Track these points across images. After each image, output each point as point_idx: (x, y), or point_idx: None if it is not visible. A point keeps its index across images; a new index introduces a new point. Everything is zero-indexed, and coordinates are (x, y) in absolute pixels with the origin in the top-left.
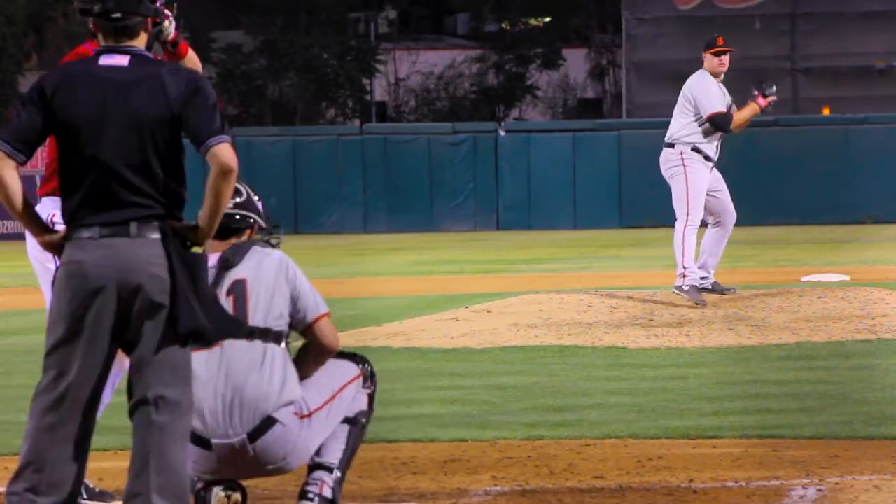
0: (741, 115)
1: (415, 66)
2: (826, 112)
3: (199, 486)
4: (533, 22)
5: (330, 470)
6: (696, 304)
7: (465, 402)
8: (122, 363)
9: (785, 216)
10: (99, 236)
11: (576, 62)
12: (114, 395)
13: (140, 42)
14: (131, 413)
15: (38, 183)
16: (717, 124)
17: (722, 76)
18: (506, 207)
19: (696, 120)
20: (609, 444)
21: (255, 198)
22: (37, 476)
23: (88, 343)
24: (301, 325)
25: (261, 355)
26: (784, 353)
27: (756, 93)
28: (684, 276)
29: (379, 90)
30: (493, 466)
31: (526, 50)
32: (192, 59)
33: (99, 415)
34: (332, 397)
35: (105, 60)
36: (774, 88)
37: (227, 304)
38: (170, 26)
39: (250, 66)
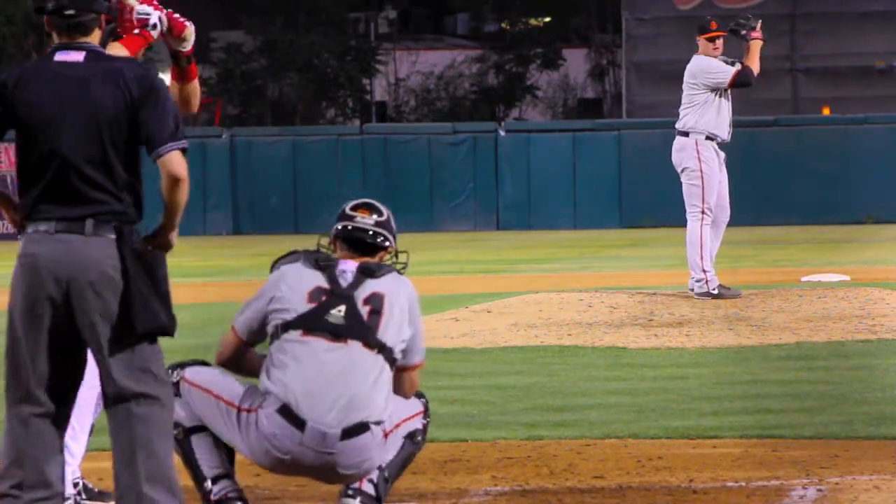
0: (752, 61)
1: (415, 66)
2: (826, 112)
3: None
4: (533, 22)
5: (379, 467)
6: (734, 296)
7: (465, 402)
8: None
9: (785, 216)
10: (55, 231)
11: (576, 62)
12: None
13: (94, 39)
14: (107, 408)
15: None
16: (743, 81)
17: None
18: (506, 207)
19: (708, 99)
20: (609, 444)
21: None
22: (20, 472)
23: (45, 335)
24: (402, 363)
25: (379, 369)
26: (784, 353)
27: (744, 33)
28: (707, 282)
29: (379, 90)
30: (493, 466)
31: (526, 50)
32: (195, 86)
33: (96, 415)
34: (401, 423)
35: (60, 57)
36: (752, 20)
37: (363, 311)
38: (191, 33)
39: (250, 66)
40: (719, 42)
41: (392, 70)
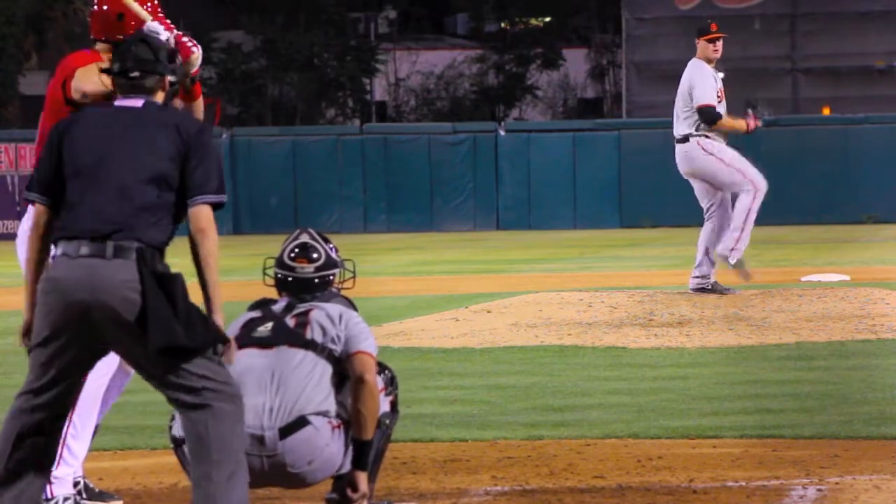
0: (728, 122)
1: (415, 66)
2: (826, 112)
3: None
4: (533, 22)
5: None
6: (745, 278)
7: (465, 402)
8: (129, 369)
9: (785, 216)
10: (77, 255)
11: (576, 62)
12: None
13: (157, 98)
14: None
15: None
16: (702, 115)
17: (716, 62)
18: (506, 207)
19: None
20: (609, 444)
21: (330, 246)
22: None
23: (63, 351)
24: (344, 352)
25: (311, 365)
26: (784, 353)
27: (750, 113)
28: (734, 250)
29: (379, 90)
30: (493, 466)
31: (526, 50)
32: (199, 105)
33: (101, 417)
34: None
35: (119, 102)
36: (766, 115)
37: (290, 322)
38: (198, 58)
39: (250, 66)
40: (719, 44)
41: (392, 70)
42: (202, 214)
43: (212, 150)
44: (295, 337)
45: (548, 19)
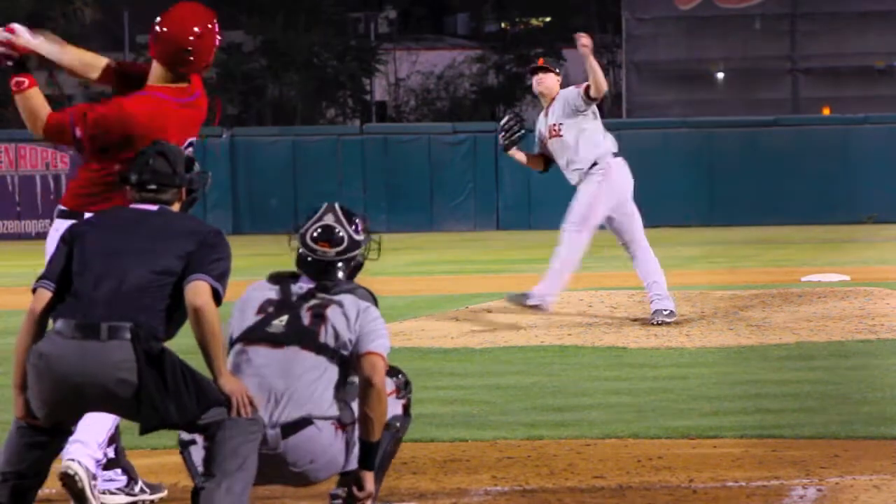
0: (526, 159)
1: (415, 66)
2: (826, 112)
3: None
4: (533, 22)
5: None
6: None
7: (465, 402)
8: None
9: (785, 216)
10: (71, 336)
11: (576, 62)
12: None
13: (174, 208)
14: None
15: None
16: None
17: (546, 99)
18: (506, 207)
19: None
20: (609, 444)
21: (355, 226)
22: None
23: (62, 413)
24: (355, 352)
25: (322, 369)
26: (784, 353)
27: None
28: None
29: (379, 90)
30: (493, 466)
31: (526, 50)
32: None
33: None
34: None
35: (136, 206)
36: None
37: (305, 317)
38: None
39: (250, 66)
40: (541, 76)
41: (392, 70)
42: (199, 290)
43: (221, 250)
44: (308, 338)
45: (548, 19)
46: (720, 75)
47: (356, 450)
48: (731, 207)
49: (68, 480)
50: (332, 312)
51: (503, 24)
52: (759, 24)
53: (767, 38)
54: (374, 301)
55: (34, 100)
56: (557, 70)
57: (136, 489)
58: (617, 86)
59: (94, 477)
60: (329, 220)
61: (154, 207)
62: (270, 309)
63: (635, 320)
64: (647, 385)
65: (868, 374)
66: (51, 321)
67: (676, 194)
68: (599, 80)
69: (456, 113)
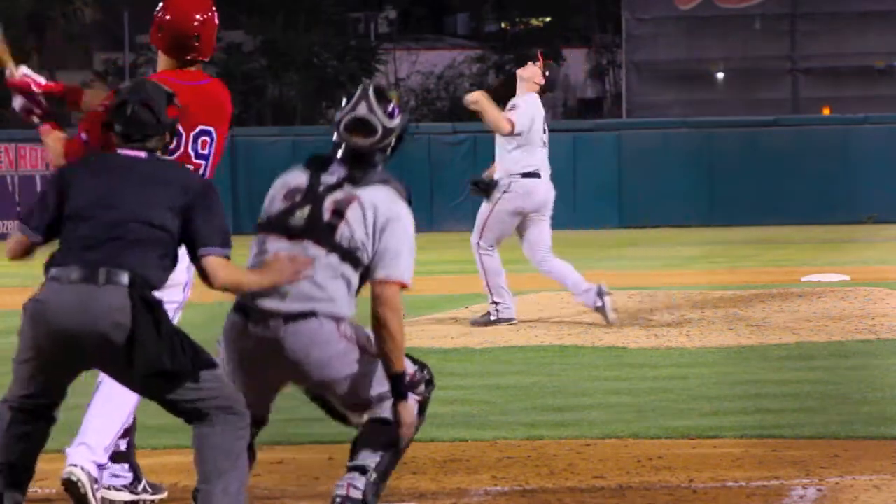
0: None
1: (415, 66)
2: (826, 112)
3: None
4: (533, 22)
5: (364, 471)
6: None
7: (465, 402)
8: None
9: (785, 216)
10: (68, 280)
11: (576, 62)
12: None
13: (158, 151)
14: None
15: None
16: None
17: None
18: None
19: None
20: (609, 444)
21: (391, 109)
22: None
23: (48, 370)
24: (373, 276)
25: (334, 268)
26: (784, 353)
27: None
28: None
29: None
30: (493, 466)
31: (526, 50)
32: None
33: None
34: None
35: (124, 151)
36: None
37: (326, 212)
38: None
39: (250, 66)
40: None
41: (392, 70)
42: (209, 267)
43: (216, 207)
44: (323, 235)
45: (548, 19)
46: (720, 75)
47: (357, 380)
48: (731, 207)
49: (70, 486)
50: (352, 212)
51: (503, 25)
52: (759, 24)
53: (767, 38)
54: (409, 197)
55: (55, 142)
56: (536, 62)
57: (140, 488)
58: (617, 86)
59: (97, 481)
60: (362, 110)
61: (143, 154)
62: (298, 197)
63: (635, 320)
64: (647, 385)
65: (868, 374)
66: (49, 267)
67: (676, 194)
68: (494, 126)
69: (456, 113)
